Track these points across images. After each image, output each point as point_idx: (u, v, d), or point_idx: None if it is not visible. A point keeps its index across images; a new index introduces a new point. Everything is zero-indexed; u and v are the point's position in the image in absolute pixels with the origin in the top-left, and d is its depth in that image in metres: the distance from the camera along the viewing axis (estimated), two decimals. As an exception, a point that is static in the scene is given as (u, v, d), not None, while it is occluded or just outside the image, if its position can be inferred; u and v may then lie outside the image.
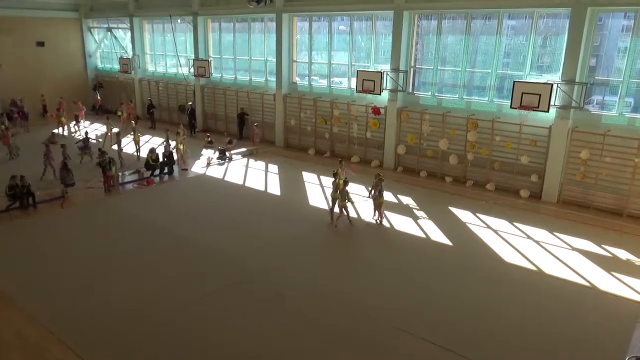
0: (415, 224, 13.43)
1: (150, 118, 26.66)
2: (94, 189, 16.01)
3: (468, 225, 13.50)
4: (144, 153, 18.88)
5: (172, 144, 18.53)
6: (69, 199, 15.04)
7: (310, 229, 13.12)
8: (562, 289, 10.09)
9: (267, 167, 19.20)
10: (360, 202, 14.79)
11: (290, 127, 22.31)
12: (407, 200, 15.35)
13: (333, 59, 20.86)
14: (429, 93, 18.23)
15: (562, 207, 14.96)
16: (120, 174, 16.85)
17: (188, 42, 26.59)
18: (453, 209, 14.63)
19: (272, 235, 12.63)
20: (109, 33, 31.29)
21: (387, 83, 18.30)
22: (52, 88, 29.05)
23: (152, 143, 21.80)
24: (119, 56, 29.89)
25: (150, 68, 29.65)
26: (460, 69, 17.29)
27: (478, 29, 16.98)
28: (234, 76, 25.01)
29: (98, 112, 29.78)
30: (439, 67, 17.84)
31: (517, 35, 16.53)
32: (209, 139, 21.96)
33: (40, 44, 29.72)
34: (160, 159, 17.60)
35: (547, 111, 14.69)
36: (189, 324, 8.69)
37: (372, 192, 13.42)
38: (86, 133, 21.05)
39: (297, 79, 22.42)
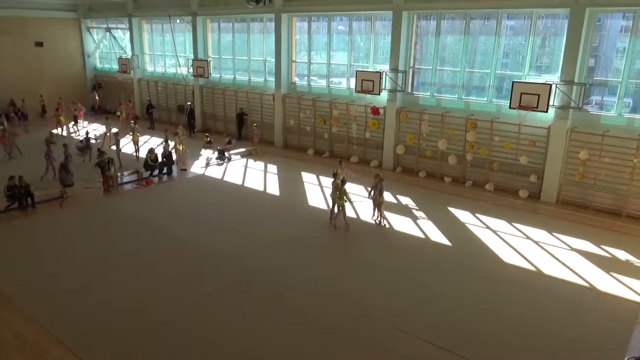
0: (414, 224, 13.43)
1: (149, 118, 26.64)
2: (93, 189, 15.99)
3: (467, 225, 13.50)
4: (143, 153, 18.87)
5: (171, 144, 18.53)
6: (67, 199, 15.02)
7: (310, 229, 13.12)
8: (561, 290, 10.10)
9: (266, 167, 19.19)
10: (360, 202, 14.80)
11: (289, 127, 22.31)
12: (406, 200, 15.35)
13: (332, 59, 20.87)
14: (428, 93, 18.24)
15: (561, 207, 14.98)
16: (119, 174, 16.83)
17: (187, 42, 26.58)
18: (452, 209, 14.64)
19: (271, 235, 12.63)
20: (108, 33, 31.26)
21: (386, 83, 18.31)
22: (51, 88, 29.02)
23: (151, 143, 21.78)
24: (118, 56, 29.87)
25: (149, 68, 29.63)
26: (459, 69, 17.30)
27: (477, 29, 17.00)
28: (233, 76, 25.00)
29: (97, 113, 29.76)
30: (438, 68, 17.85)
31: (516, 36, 16.55)
32: (208, 139, 21.95)
33: (39, 44, 29.70)
34: (159, 159, 17.59)
35: (546, 111, 14.71)
36: (188, 324, 8.68)
37: (372, 192, 13.42)
38: (87, 133, 21.06)
39: (296, 79, 22.42)
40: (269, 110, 22.94)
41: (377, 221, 13.45)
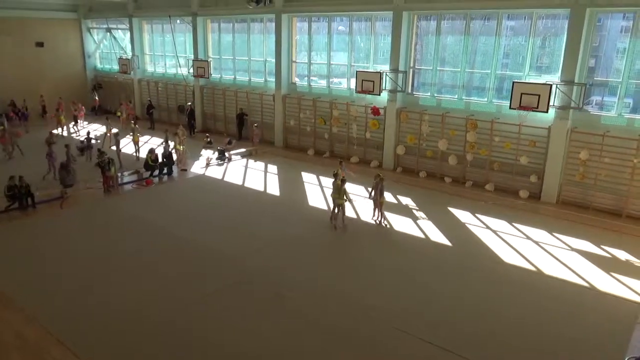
0: (414, 225, 13.43)
1: (149, 118, 26.65)
2: (93, 189, 15.99)
3: (467, 225, 13.51)
4: (143, 153, 18.88)
5: (172, 144, 18.54)
6: (68, 199, 15.02)
7: (310, 229, 13.12)
8: (562, 290, 10.10)
9: (266, 167, 19.20)
10: (360, 202, 14.80)
11: (290, 127, 22.31)
12: (406, 200, 15.35)
13: (332, 60, 20.87)
14: (428, 94, 18.24)
15: (561, 207, 14.98)
16: (119, 174, 16.84)
17: (187, 42, 26.59)
18: (452, 210, 14.64)
19: (271, 235, 12.63)
20: (108, 33, 31.27)
21: (387, 83, 18.31)
22: (52, 88, 29.04)
23: (151, 143, 21.78)
24: (118, 57, 29.89)
25: (150, 68, 29.64)
26: (459, 69, 17.30)
27: (477, 30, 17.00)
28: (233, 77, 25.01)
29: (97, 113, 29.76)
30: (438, 68, 17.86)
31: (516, 36, 16.55)
32: (208, 140, 21.96)
33: (40, 44, 29.72)
34: (160, 160, 17.59)
35: (546, 112, 14.71)
36: (189, 324, 8.68)
37: (372, 192, 13.42)
38: (88, 133, 21.07)
39: (296, 80, 22.42)
40: (269, 111, 22.95)
41: (378, 221, 13.46)
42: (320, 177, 17.58)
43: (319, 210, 14.46)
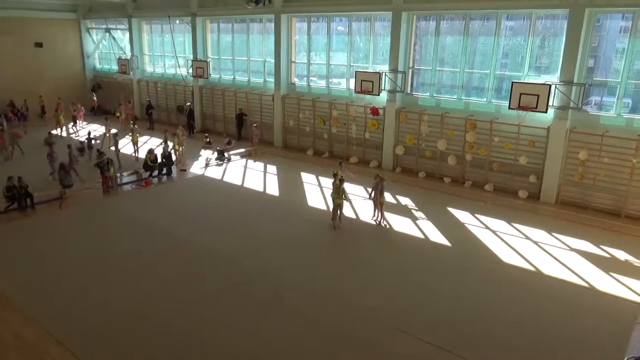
0: (413, 225, 13.44)
1: (148, 119, 26.63)
2: (92, 190, 15.98)
3: (467, 225, 13.51)
4: (142, 154, 18.87)
5: (171, 144, 18.53)
6: (67, 200, 15.01)
7: (309, 229, 13.12)
8: (561, 290, 10.11)
9: (265, 167, 19.20)
10: (359, 203, 14.80)
11: (289, 127, 22.31)
12: (405, 200, 15.36)
13: (331, 60, 20.88)
14: (428, 94, 18.25)
15: (561, 207, 14.99)
16: (118, 175, 16.83)
17: (186, 42, 26.59)
18: (452, 210, 14.64)
19: (270, 235, 12.63)
20: (107, 34, 31.25)
21: (386, 84, 18.32)
22: (51, 89, 29.02)
23: (150, 144, 21.77)
24: (118, 57, 29.87)
25: (149, 69, 29.63)
26: (458, 69, 17.31)
27: (476, 30, 17.01)
28: (232, 77, 25.00)
29: (96, 114, 29.74)
30: (437, 68, 17.87)
31: (516, 36, 16.57)
32: (208, 140, 21.96)
33: (39, 44, 29.69)
34: (159, 160, 17.58)
35: (546, 112, 14.71)
36: (188, 324, 8.68)
37: (372, 193, 13.42)
38: (89, 133, 21.04)
39: (295, 80, 22.42)
40: (269, 111, 22.95)
41: (377, 221, 13.46)
42: (320, 178, 17.58)
43: (318, 210, 14.46)
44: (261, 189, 16.57)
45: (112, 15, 29.63)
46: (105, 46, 32.25)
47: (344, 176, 13.95)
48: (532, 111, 14.90)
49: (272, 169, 19.05)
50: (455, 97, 17.54)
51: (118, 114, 26.40)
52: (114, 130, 21.22)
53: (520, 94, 14.88)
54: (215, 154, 20.01)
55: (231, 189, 16.67)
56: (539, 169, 15.61)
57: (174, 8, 25.45)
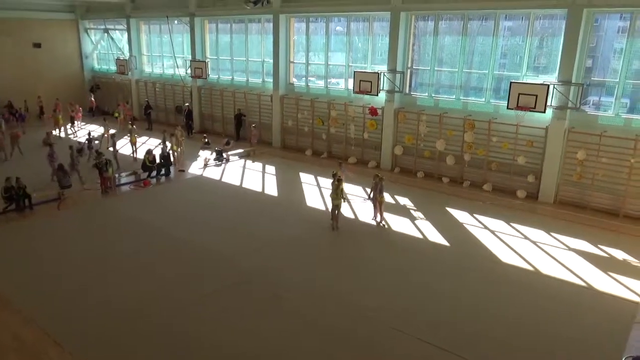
0: (412, 225, 13.44)
1: (147, 119, 26.59)
2: (90, 190, 15.97)
3: (465, 225, 13.52)
4: (140, 154, 18.86)
5: (169, 145, 18.51)
6: (65, 200, 14.99)
7: (308, 229, 13.11)
8: (559, 289, 10.12)
9: (264, 168, 19.19)
10: (358, 203, 14.80)
11: (288, 128, 22.30)
12: (404, 201, 15.36)
13: (330, 60, 20.88)
14: (426, 94, 18.26)
15: (559, 207, 15.01)
16: (116, 175, 16.80)
17: (185, 43, 26.55)
18: (450, 210, 14.65)
19: (269, 236, 12.62)
20: (106, 34, 31.22)
21: (384, 84, 18.32)
22: (49, 89, 28.98)
23: (149, 144, 21.74)
24: (116, 57, 29.84)
25: (147, 69, 29.61)
26: (457, 70, 17.32)
27: (475, 30, 17.02)
28: (231, 77, 24.98)
29: (94, 114, 29.70)
30: (435, 68, 17.88)
31: (514, 36, 16.59)
32: (206, 140, 21.94)
33: (37, 45, 29.65)
34: (157, 161, 17.56)
35: (544, 112, 14.73)
36: (187, 325, 8.67)
37: (372, 193, 13.41)
38: (89, 134, 21.01)
39: (294, 80, 22.42)
40: (267, 111, 22.94)
41: (377, 221, 13.43)
42: (318, 178, 17.57)
43: (317, 210, 14.46)
44: (260, 190, 16.57)
45: (110, 15, 29.59)
46: (103, 46, 32.21)
47: (344, 176, 13.94)
48: (530, 111, 14.92)
49: (270, 169, 19.05)
50: (454, 97, 17.55)
51: (116, 115, 26.38)
52: (112, 131, 21.21)
53: (519, 94, 14.90)
54: (214, 154, 19.99)
55: (230, 190, 16.65)
56: (537, 168, 15.63)
57: (172, 8, 25.43)
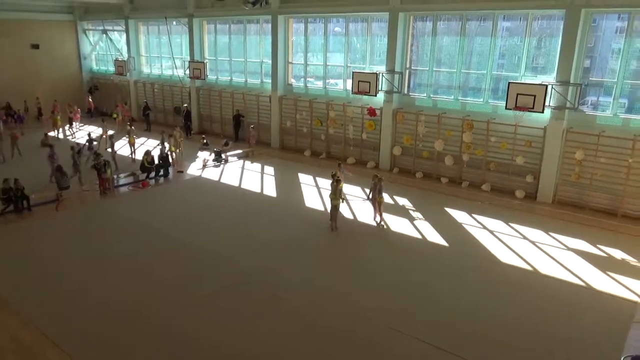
0: (411, 225, 13.45)
1: (145, 120, 26.58)
2: (89, 191, 15.95)
3: (464, 225, 13.53)
4: (139, 155, 18.84)
5: (168, 146, 18.49)
6: (63, 201, 14.96)
7: (307, 230, 13.11)
8: (558, 289, 10.12)
9: (263, 168, 19.18)
10: (357, 203, 14.80)
11: (286, 128, 22.30)
12: (403, 201, 15.36)
13: (329, 61, 20.89)
14: (425, 94, 18.28)
15: (557, 207, 15.02)
16: (115, 176, 16.78)
17: (183, 44, 26.57)
18: (449, 210, 14.66)
19: (268, 236, 12.61)
20: (104, 35, 31.21)
21: (383, 84, 18.33)
22: (48, 90, 28.99)
23: (147, 145, 21.73)
24: (114, 58, 29.83)
25: (146, 70, 29.60)
26: (455, 70, 17.33)
27: (473, 31, 17.04)
28: (229, 78, 24.98)
29: (93, 115, 29.68)
30: (434, 69, 17.90)
31: (512, 37, 16.61)
32: (205, 141, 21.92)
33: (35, 46, 29.63)
34: (156, 162, 17.54)
35: (542, 112, 14.74)
36: (186, 326, 8.66)
37: (371, 194, 13.41)
38: (89, 135, 21.01)
39: (292, 81, 22.42)
40: (266, 112, 22.94)
41: (377, 221, 13.43)
42: (317, 178, 17.58)
43: (315, 211, 14.46)
44: (258, 190, 16.56)
45: (108, 16, 29.59)
46: (102, 47, 32.21)
47: (343, 177, 13.94)
48: (528, 111, 14.93)
49: (269, 170, 19.04)
50: (452, 97, 17.56)
51: (115, 116, 26.35)
52: (110, 132, 21.19)
53: (517, 94, 14.91)
54: (213, 155, 19.98)
55: (228, 190, 16.64)
56: (535, 169, 15.64)
57: (170, 9, 25.42)
